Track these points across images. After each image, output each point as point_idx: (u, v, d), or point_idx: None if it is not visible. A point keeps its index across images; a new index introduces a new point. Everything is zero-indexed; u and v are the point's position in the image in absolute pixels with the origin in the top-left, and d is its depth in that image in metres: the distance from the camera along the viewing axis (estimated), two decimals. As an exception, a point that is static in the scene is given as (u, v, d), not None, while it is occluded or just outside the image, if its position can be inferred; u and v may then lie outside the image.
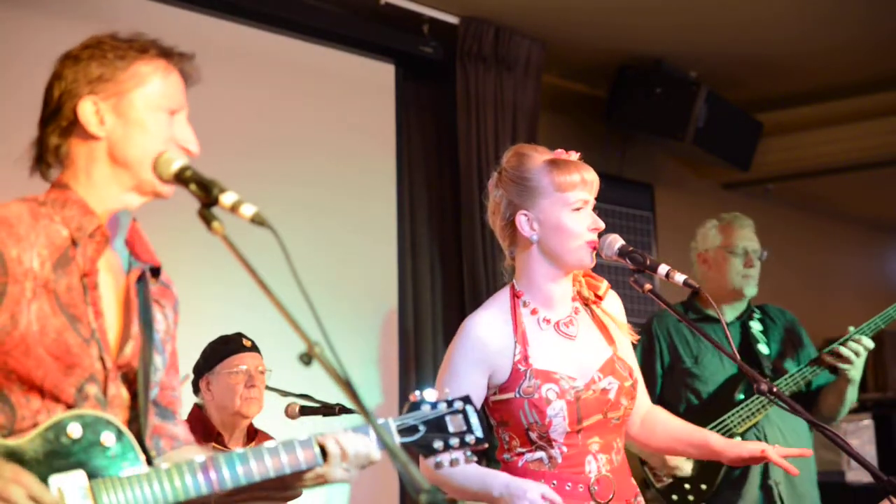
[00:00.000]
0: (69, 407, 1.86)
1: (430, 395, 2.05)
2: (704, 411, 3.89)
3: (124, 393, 1.95)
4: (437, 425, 2.03)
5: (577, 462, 2.55)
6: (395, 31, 5.30)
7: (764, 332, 4.04)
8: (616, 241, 2.67)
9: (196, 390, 3.94)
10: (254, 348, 3.93)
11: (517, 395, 2.53)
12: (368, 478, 5.03)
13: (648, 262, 2.64)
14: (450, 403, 2.05)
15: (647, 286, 2.65)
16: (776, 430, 3.90)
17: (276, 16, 4.89)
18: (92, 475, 1.81)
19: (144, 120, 1.95)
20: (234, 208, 1.82)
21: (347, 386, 1.67)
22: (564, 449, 2.54)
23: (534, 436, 2.54)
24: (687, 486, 3.88)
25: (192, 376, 3.95)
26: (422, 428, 2.02)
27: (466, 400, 2.06)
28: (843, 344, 3.73)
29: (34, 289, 1.85)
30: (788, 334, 4.07)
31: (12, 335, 1.83)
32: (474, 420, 2.05)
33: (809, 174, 7.33)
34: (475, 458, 2.08)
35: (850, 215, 8.57)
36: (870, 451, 6.70)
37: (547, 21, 5.54)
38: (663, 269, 2.62)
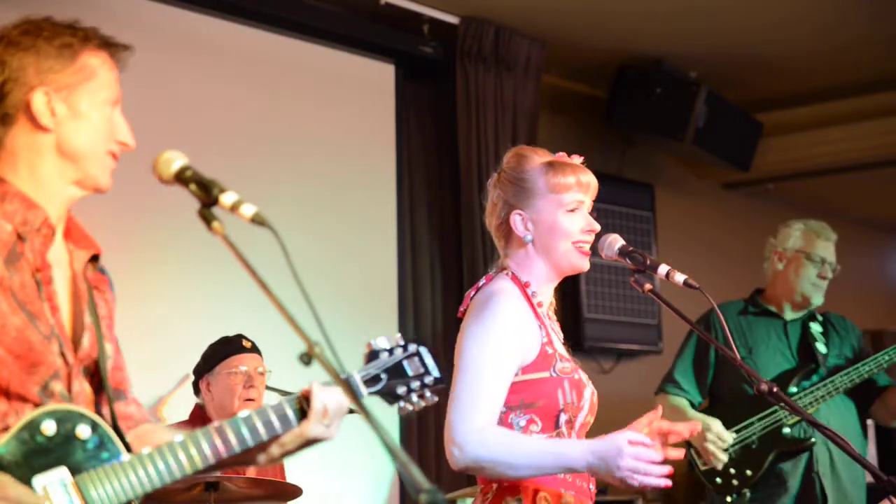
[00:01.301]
0: (37, 406, 1.82)
1: (383, 342, 2.08)
2: (755, 402, 3.97)
3: (87, 387, 1.93)
4: (396, 371, 2.06)
5: None
6: (395, 31, 5.30)
7: (823, 333, 4.12)
8: (616, 241, 2.67)
9: (197, 391, 3.94)
10: (254, 349, 3.93)
11: (553, 374, 2.48)
12: (369, 477, 5.03)
13: (648, 262, 2.64)
14: (405, 347, 2.09)
15: (647, 286, 2.65)
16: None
17: (276, 16, 4.90)
18: (74, 470, 1.78)
19: (92, 114, 1.93)
20: (234, 208, 1.82)
21: (347, 386, 1.67)
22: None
23: (564, 418, 2.47)
24: (732, 470, 3.95)
25: (192, 377, 3.96)
26: (383, 376, 2.05)
27: (419, 342, 2.12)
28: None
29: None
30: (848, 339, 4.18)
31: None
32: (429, 361, 2.10)
33: (809, 174, 7.33)
34: (436, 399, 2.09)
35: (850, 215, 8.56)
36: (870, 451, 6.70)
37: (547, 21, 5.54)
38: (663, 269, 2.62)
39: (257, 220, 1.79)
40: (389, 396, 2.05)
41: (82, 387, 1.91)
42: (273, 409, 1.94)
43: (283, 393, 3.71)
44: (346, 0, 5.12)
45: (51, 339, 1.85)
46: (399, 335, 2.11)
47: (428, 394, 2.07)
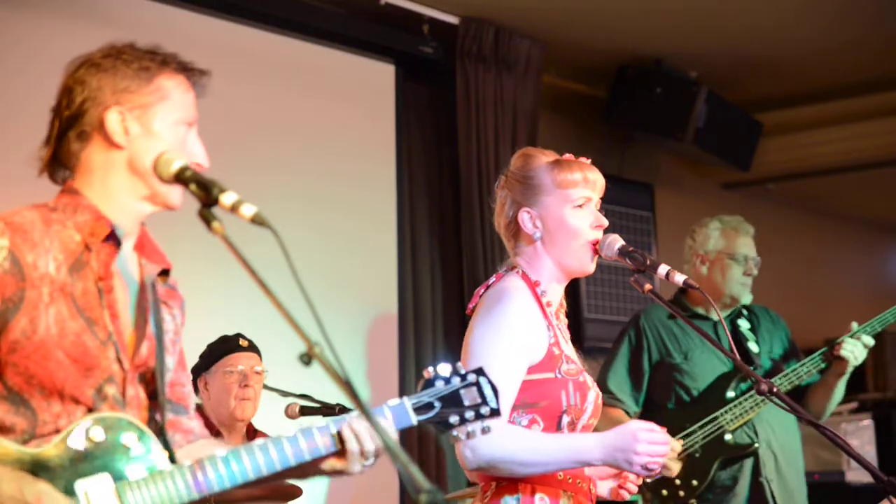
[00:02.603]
0: (89, 409, 1.89)
1: (443, 369, 2.05)
2: (694, 408, 3.90)
3: (142, 394, 1.99)
4: (451, 400, 2.04)
5: None
6: (395, 31, 5.30)
7: (752, 330, 4.05)
8: (616, 241, 2.66)
9: (196, 390, 3.94)
10: (251, 348, 3.92)
11: (558, 375, 2.49)
12: (368, 478, 5.02)
13: (648, 262, 2.64)
14: (463, 377, 2.06)
15: (647, 286, 2.65)
16: (767, 427, 3.90)
17: (276, 16, 4.90)
18: (117, 477, 1.84)
19: (165, 133, 1.99)
20: (234, 208, 1.83)
21: (347, 386, 1.67)
22: None
23: (566, 420, 2.48)
24: (677, 481, 3.86)
25: (191, 376, 3.96)
26: (437, 404, 2.03)
27: (479, 372, 2.08)
28: (845, 340, 3.77)
29: (51, 293, 1.87)
30: (775, 333, 4.09)
31: (32, 339, 1.86)
32: (488, 391, 2.06)
33: (809, 174, 7.33)
34: (490, 428, 2.07)
35: (850, 215, 8.57)
36: (870, 451, 6.70)
37: (547, 21, 5.54)
38: (663, 269, 2.62)
39: (257, 221, 1.80)
40: (441, 425, 2.04)
41: (137, 392, 1.98)
42: (320, 431, 1.96)
43: (283, 393, 3.71)
44: (346, 0, 5.12)
45: (107, 344, 1.92)
46: (460, 363, 2.09)
47: (483, 424, 2.06)
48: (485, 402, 2.05)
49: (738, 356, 2.66)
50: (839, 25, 5.69)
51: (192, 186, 1.90)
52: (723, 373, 3.92)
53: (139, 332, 1.99)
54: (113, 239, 1.97)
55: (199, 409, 3.93)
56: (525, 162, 2.64)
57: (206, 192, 1.86)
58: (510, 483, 2.45)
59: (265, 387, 3.89)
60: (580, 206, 2.58)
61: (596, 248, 2.59)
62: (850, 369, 3.80)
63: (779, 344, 4.08)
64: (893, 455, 6.78)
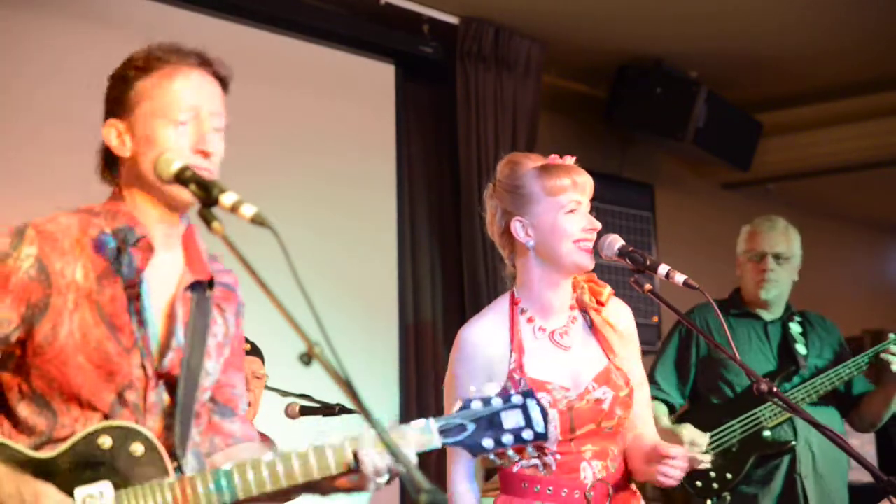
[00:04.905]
0: (105, 416, 1.91)
1: (489, 389, 1.96)
2: (737, 403, 3.98)
3: (166, 399, 1.98)
4: (489, 422, 1.94)
5: (572, 468, 2.54)
6: (395, 31, 5.30)
7: (803, 334, 4.10)
8: (616, 241, 2.67)
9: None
10: (253, 352, 3.91)
11: None
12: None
13: (648, 262, 2.64)
14: (507, 398, 1.95)
15: (647, 286, 2.65)
16: (807, 426, 3.92)
17: (276, 16, 4.90)
18: (120, 485, 1.85)
19: (150, 135, 1.97)
20: (234, 208, 1.83)
21: (347, 386, 1.67)
22: (558, 456, 2.53)
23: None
24: (712, 473, 3.94)
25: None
26: (470, 426, 1.93)
27: (528, 394, 1.97)
28: (886, 351, 3.84)
29: (76, 300, 1.90)
30: (829, 340, 4.14)
31: (53, 345, 1.89)
32: (535, 414, 1.95)
33: (809, 174, 7.33)
34: (535, 455, 2.04)
35: (851, 215, 8.57)
36: (870, 451, 6.70)
37: (547, 21, 5.54)
38: (663, 269, 2.62)
39: (257, 221, 1.79)
40: (473, 448, 1.94)
41: (160, 398, 1.97)
42: (331, 449, 1.91)
43: (283, 393, 3.70)
44: (346, 0, 5.12)
45: (132, 351, 1.93)
46: (510, 383, 2.04)
47: (530, 450, 2.01)
48: (528, 425, 1.94)
49: (737, 355, 2.66)
50: (840, 26, 5.69)
51: (192, 186, 1.89)
52: (767, 371, 4.00)
53: (166, 341, 1.99)
54: (146, 245, 1.98)
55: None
56: (512, 170, 2.63)
57: (206, 192, 1.86)
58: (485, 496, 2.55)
59: (266, 387, 3.88)
60: (572, 210, 2.58)
61: (580, 245, 2.58)
62: None
63: (829, 350, 4.13)
64: (893, 455, 6.78)
